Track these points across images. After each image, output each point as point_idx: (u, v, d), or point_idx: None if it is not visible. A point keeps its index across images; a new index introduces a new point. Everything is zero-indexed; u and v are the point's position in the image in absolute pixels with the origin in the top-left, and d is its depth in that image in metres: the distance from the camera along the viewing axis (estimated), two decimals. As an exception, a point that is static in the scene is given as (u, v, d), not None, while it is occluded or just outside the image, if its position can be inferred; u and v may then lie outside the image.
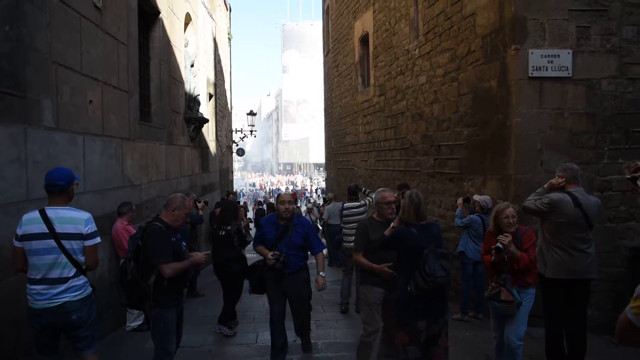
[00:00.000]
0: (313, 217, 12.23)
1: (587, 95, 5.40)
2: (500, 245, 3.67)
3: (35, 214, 3.28)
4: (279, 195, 4.70)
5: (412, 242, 3.29)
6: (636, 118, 5.42)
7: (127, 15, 6.61)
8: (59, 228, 3.22)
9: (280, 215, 4.40)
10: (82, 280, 3.32)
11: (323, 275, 4.43)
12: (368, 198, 6.63)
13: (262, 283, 4.58)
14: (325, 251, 10.40)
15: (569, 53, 5.36)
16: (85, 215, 3.39)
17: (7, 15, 3.99)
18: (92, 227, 3.35)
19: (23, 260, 3.26)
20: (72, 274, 3.24)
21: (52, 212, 3.28)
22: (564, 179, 4.11)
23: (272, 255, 4.25)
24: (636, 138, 5.44)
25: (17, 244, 3.25)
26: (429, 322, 3.32)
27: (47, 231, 3.20)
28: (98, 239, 3.40)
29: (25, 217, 3.30)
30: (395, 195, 4.30)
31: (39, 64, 4.32)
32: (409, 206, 3.42)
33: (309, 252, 4.54)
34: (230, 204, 6.36)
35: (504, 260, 3.76)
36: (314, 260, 4.58)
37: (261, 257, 4.55)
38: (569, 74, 5.36)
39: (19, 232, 3.25)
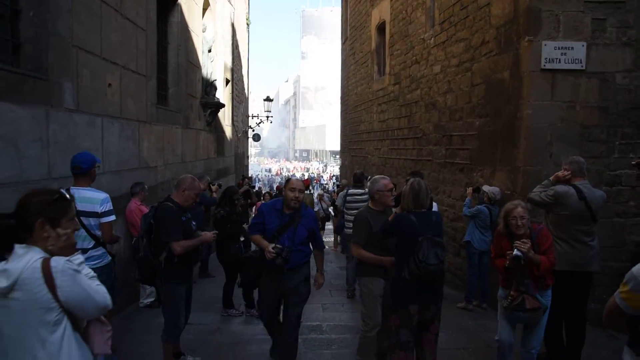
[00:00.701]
0: (324, 205, 12.22)
1: (600, 88, 5.38)
2: (519, 253, 3.38)
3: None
4: (288, 180, 4.05)
5: (408, 229, 3.37)
6: (649, 113, 5.40)
7: (147, 1, 6.75)
8: (79, 206, 3.51)
9: (287, 203, 3.82)
10: (100, 251, 3.70)
11: (323, 273, 4.12)
12: None
13: (255, 277, 4.08)
14: (338, 238, 10.56)
15: (583, 45, 5.33)
16: (102, 195, 3.76)
17: (31, 2, 4.15)
18: (107, 206, 3.70)
19: None
20: (91, 245, 3.62)
21: (75, 191, 3.62)
22: (569, 172, 4.14)
23: (272, 249, 3.65)
24: (648, 133, 5.42)
25: None
26: (421, 307, 3.40)
27: None
28: (112, 217, 3.78)
29: None
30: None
31: (60, 48, 4.48)
32: (409, 193, 3.50)
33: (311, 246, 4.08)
34: (228, 190, 6.21)
35: (520, 266, 3.44)
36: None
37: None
38: (582, 66, 5.34)
39: None
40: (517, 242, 3.43)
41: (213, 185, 8.39)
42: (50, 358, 1.84)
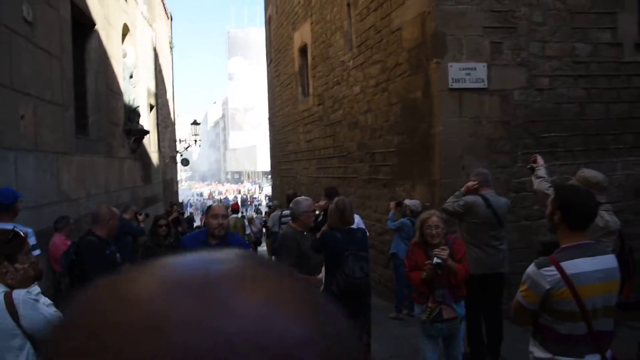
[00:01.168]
0: (254, 229, 12.12)
1: (501, 104, 5.92)
2: (439, 261, 3.39)
3: None
4: (209, 207, 3.87)
5: (334, 245, 3.55)
6: (544, 125, 5.99)
7: (60, 28, 6.56)
8: None
9: (211, 232, 3.61)
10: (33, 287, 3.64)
11: None
12: None
13: None
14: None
15: (484, 66, 5.85)
16: (26, 230, 3.68)
17: None
18: (32, 241, 3.67)
19: None
20: None
21: None
22: (477, 182, 4.53)
23: None
24: (545, 143, 6.00)
25: None
26: (350, 318, 3.55)
27: None
28: (38, 251, 3.79)
29: None
30: (324, 202, 4.53)
31: (-34, 81, 4.28)
32: (335, 212, 3.69)
33: None
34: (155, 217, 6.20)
35: (437, 275, 3.46)
36: None
37: None
38: (485, 85, 5.85)
39: None
40: (436, 250, 3.47)
41: (140, 215, 8.18)
42: None
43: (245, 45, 77.51)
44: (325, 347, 0.29)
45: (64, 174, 6.45)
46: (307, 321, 0.30)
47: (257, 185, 56.14)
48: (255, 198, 42.87)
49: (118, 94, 9.64)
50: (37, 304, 2.15)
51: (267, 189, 48.51)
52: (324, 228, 3.95)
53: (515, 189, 5.92)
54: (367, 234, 4.51)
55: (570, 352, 2.22)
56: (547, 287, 2.19)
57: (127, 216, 6.71)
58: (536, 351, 2.31)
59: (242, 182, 67.90)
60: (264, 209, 28.46)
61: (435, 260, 3.42)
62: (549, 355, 2.24)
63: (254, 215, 9.13)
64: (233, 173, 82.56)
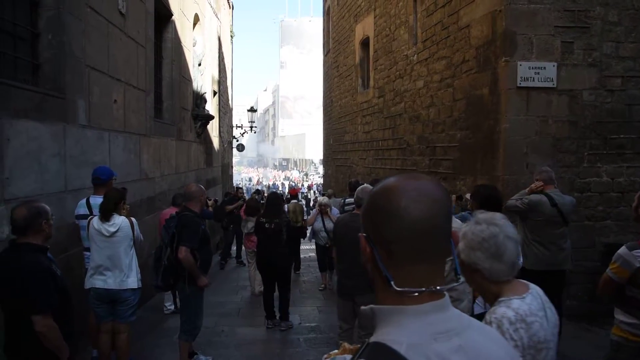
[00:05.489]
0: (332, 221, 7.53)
1: (569, 104, 5.92)
2: None
3: (84, 200, 4.35)
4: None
5: None
6: (613, 126, 5.95)
7: (146, 19, 7.07)
8: (95, 212, 4.12)
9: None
10: None
11: None
12: None
13: None
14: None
15: (554, 66, 5.86)
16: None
17: (50, 26, 4.46)
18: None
19: (78, 234, 4.38)
20: None
21: (93, 199, 4.29)
22: (542, 183, 4.63)
23: None
24: (613, 144, 5.97)
25: (76, 221, 4.38)
26: None
27: (88, 213, 4.20)
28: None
29: (80, 202, 4.39)
30: None
31: (75, 68, 4.78)
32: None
33: None
34: (275, 198, 6.42)
35: None
36: None
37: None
38: (553, 84, 5.87)
39: (75, 212, 4.35)
40: None
41: (210, 200, 8.70)
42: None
43: (297, 35, 77.86)
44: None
45: (144, 154, 6.99)
46: (443, 189, 0.95)
47: (304, 174, 56.68)
48: (303, 186, 43.18)
49: (188, 80, 10.18)
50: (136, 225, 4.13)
51: (313, 178, 48.95)
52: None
53: (579, 189, 5.93)
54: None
55: (651, 318, 2.76)
56: (637, 265, 2.71)
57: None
58: (622, 317, 2.85)
59: (288, 170, 68.73)
60: (312, 197, 28.86)
61: None
62: (634, 320, 2.78)
63: (326, 199, 8.16)
64: (281, 160, 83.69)
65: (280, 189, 37.11)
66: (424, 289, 0.90)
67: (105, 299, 3.93)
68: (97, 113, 5.32)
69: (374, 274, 0.96)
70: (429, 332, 0.88)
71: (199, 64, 11.02)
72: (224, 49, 16.39)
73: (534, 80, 5.84)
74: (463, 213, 6.34)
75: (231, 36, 19.25)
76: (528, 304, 1.66)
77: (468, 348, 0.89)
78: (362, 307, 0.96)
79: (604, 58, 5.90)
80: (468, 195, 6.40)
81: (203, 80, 11.45)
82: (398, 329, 0.89)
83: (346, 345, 1.21)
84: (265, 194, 16.18)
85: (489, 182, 6.26)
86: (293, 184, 44.39)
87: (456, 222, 2.93)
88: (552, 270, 4.56)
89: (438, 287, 0.92)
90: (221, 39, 15.42)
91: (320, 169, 35.91)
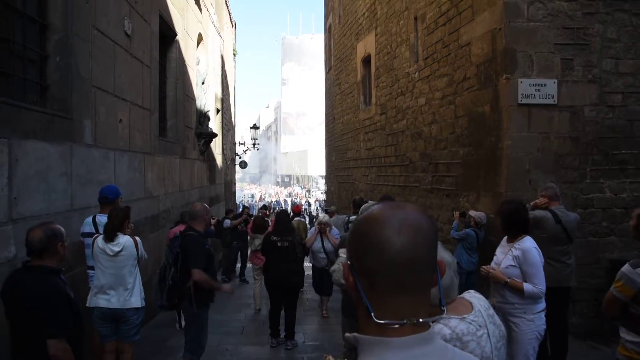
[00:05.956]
0: (331, 243, 7.15)
1: (571, 120, 5.96)
2: None
3: (90, 218, 4.41)
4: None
5: None
6: (615, 142, 5.98)
7: (151, 40, 7.18)
8: (101, 230, 4.18)
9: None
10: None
11: None
12: None
13: None
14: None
15: (554, 82, 5.92)
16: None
17: (58, 48, 4.54)
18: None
19: (82, 252, 4.42)
20: None
21: (100, 218, 4.35)
22: (547, 199, 4.64)
23: None
24: (615, 160, 5.99)
25: (81, 238, 4.41)
26: None
27: (94, 231, 4.26)
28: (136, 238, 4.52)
29: (86, 220, 4.44)
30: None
31: (82, 89, 4.86)
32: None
33: None
34: (286, 215, 6.54)
35: None
36: None
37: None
38: (554, 101, 5.91)
39: (81, 230, 4.39)
40: None
41: (213, 219, 8.73)
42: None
43: (299, 52, 78.66)
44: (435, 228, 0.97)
45: (148, 173, 7.04)
46: (428, 219, 0.95)
47: (306, 190, 56.65)
48: (307, 201, 43.03)
49: (192, 99, 10.28)
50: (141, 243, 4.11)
51: (315, 194, 48.90)
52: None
53: (583, 205, 5.94)
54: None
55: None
56: None
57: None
58: (627, 336, 2.86)
59: (290, 186, 68.75)
60: (314, 214, 28.82)
61: None
62: (638, 339, 2.79)
63: (326, 218, 7.67)
64: (283, 176, 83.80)
65: (282, 205, 37.04)
66: (405, 321, 0.89)
67: (109, 318, 3.95)
68: (103, 132, 5.38)
69: (357, 302, 0.95)
70: None
71: (203, 82, 11.14)
72: (226, 67, 16.58)
73: (534, 97, 5.89)
74: (467, 230, 6.36)
75: (234, 54, 19.48)
76: (468, 322, 1.69)
77: None
78: (346, 335, 0.96)
79: (603, 74, 5.96)
80: (472, 212, 6.42)
81: (206, 98, 11.57)
82: None
83: (331, 358, 1.21)
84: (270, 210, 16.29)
85: (492, 199, 6.29)
86: (295, 201, 44.29)
87: (442, 251, 2.93)
88: (556, 287, 4.54)
89: (421, 320, 0.90)
90: (224, 57, 15.61)
91: (322, 185, 35.94)
